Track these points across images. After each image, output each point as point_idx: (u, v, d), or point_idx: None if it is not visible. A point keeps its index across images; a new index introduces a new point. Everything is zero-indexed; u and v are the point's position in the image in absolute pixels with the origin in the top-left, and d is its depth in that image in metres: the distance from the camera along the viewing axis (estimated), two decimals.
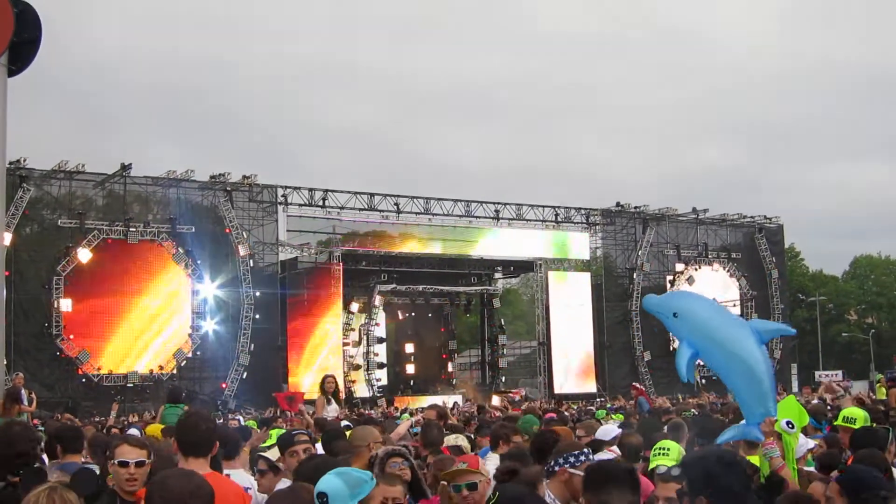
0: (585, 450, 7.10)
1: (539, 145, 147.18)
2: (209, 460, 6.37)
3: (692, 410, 17.50)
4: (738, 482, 4.90)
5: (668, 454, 7.34)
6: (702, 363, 7.23)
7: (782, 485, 6.24)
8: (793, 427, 7.25)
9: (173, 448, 6.65)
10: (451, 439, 10.15)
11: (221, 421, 25.76)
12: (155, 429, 13.77)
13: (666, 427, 10.94)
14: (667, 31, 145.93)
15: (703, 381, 53.86)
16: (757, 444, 7.06)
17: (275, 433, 11.01)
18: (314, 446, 7.57)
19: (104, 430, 16.46)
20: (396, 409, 38.33)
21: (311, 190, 47.88)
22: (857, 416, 9.77)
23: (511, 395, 45.79)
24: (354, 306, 51.47)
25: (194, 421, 6.65)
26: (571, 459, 6.79)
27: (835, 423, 10.26)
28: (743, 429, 6.73)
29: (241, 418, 27.55)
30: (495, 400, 44.75)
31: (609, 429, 9.93)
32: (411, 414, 23.13)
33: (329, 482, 5.11)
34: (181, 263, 44.01)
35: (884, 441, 8.39)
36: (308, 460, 6.85)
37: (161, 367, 43.26)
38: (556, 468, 6.80)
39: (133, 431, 14.70)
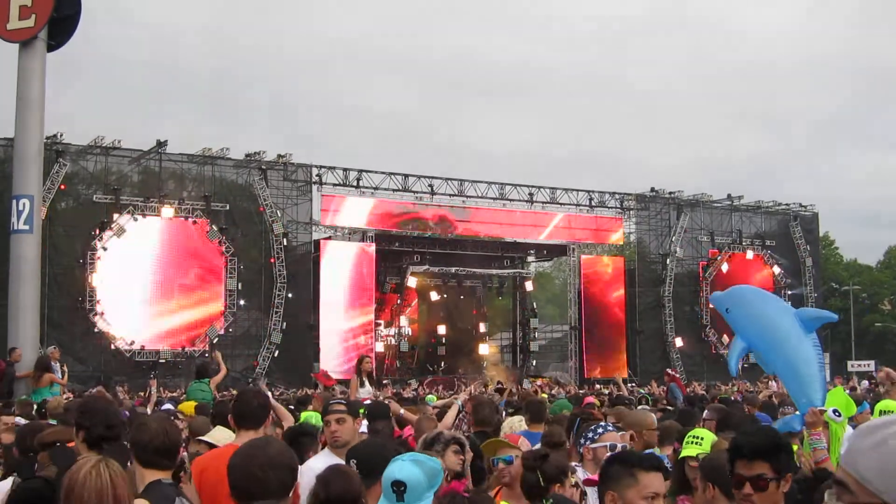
0: (602, 422, 7.13)
1: (574, 129, 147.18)
2: (260, 432, 6.70)
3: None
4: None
5: (702, 443, 7.24)
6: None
7: (823, 479, 6.11)
8: (840, 416, 7.20)
9: (230, 421, 7.21)
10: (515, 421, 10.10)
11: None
12: (188, 406, 13.81)
13: (706, 411, 10.80)
14: (702, 16, 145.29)
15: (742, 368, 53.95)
16: (797, 433, 7.02)
17: (304, 416, 11.00)
18: (354, 419, 7.43)
19: (156, 405, 16.46)
20: (426, 390, 38.40)
21: (345, 170, 47.84)
22: (893, 408, 9.60)
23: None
24: (387, 287, 51.55)
25: (248, 396, 7.34)
26: (590, 435, 6.86)
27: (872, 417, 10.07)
28: (787, 420, 6.75)
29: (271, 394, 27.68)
30: (526, 383, 44.72)
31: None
32: (439, 397, 23.13)
33: (407, 470, 4.69)
34: (215, 241, 44.10)
35: None
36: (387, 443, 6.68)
37: (193, 344, 43.40)
38: (581, 450, 6.87)
39: (168, 407, 14.77)
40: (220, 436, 7.38)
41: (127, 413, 13.01)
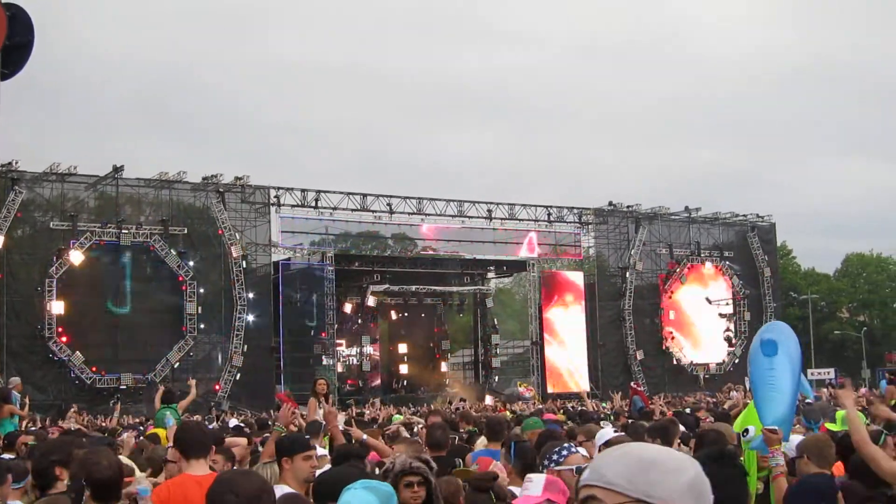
0: (566, 444, 7.05)
1: (532, 145, 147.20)
2: (208, 461, 6.87)
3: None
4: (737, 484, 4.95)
5: None
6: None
7: None
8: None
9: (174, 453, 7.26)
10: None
11: (215, 423, 25.76)
12: (161, 433, 13.61)
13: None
14: (660, 29, 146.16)
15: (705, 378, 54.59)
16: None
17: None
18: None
19: (109, 433, 16.42)
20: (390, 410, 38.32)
21: (303, 191, 47.76)
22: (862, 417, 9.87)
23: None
24: (347, 307, 51.46)
25: (194, 426, 7.61)
26: (554, 458, 6.76)
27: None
28: (755, 445, 7.21)
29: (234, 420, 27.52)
30: (488, 399, 44.80)
31: (605, 432, 9.81)
32: (402, 415, 23.11)
33: (360, 498, 4.62)
34: (173, 265, 43.90)
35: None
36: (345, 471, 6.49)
37: (153, 369, 43.08)
38: (545, 472, 6.78)
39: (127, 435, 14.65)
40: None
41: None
